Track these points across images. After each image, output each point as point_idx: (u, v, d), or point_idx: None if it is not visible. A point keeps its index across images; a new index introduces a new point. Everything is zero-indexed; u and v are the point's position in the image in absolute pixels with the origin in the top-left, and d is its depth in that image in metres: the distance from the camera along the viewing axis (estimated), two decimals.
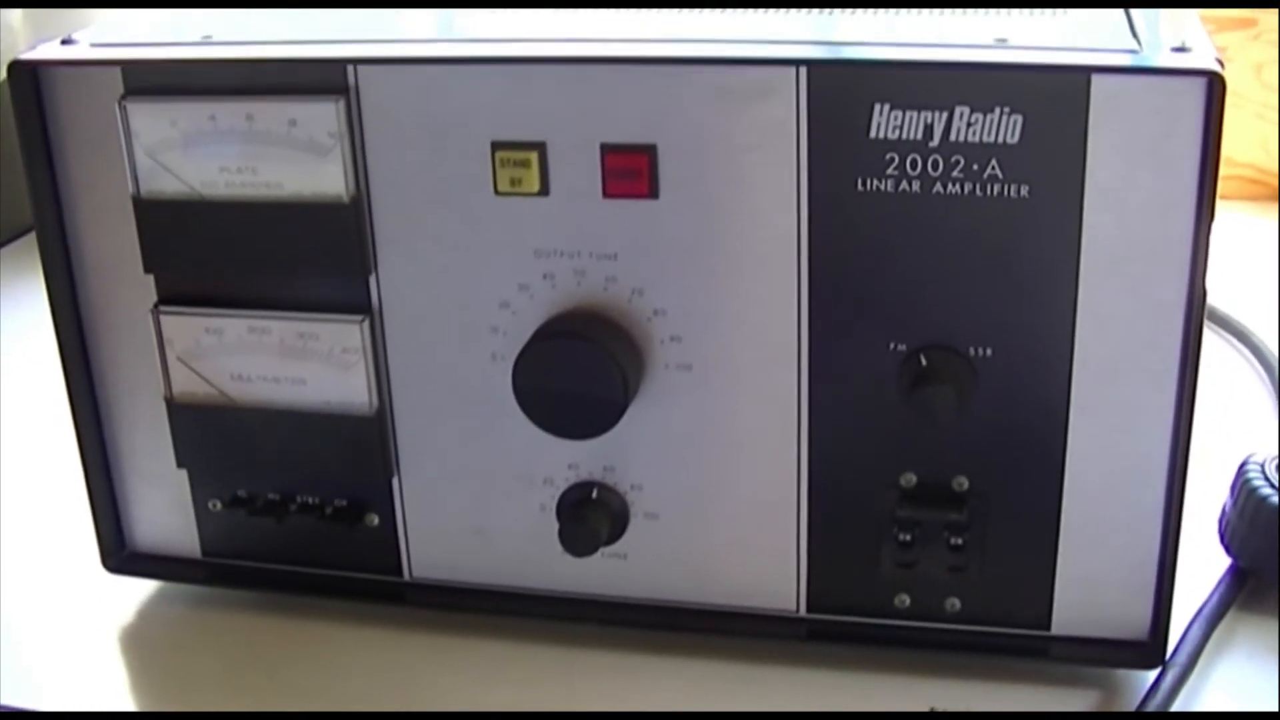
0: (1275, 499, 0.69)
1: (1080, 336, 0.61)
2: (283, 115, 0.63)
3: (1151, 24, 0.62)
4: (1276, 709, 0.65)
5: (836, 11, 0.67)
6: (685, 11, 0.68)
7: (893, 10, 0.67)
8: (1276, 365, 0.94)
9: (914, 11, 0.66)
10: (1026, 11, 0.65)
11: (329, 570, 0.73)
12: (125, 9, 0.76)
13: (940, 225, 0.60)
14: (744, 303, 0.63)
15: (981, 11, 0.66)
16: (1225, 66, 0.56)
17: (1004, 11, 0.65)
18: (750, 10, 0.68)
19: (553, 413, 0.64)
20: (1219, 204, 0.58)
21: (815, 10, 0.68)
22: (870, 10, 0.67)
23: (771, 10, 0.68)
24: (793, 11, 0.68)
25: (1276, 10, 1.21)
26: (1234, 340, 0.99)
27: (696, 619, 0.69)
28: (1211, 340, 0.99)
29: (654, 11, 0.69)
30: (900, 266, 0.61)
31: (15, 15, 1.29)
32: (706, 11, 0.68)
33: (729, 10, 0.68)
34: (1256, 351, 0.96)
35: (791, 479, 0.66)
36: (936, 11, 0.66)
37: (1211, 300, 0.99)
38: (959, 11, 0.66)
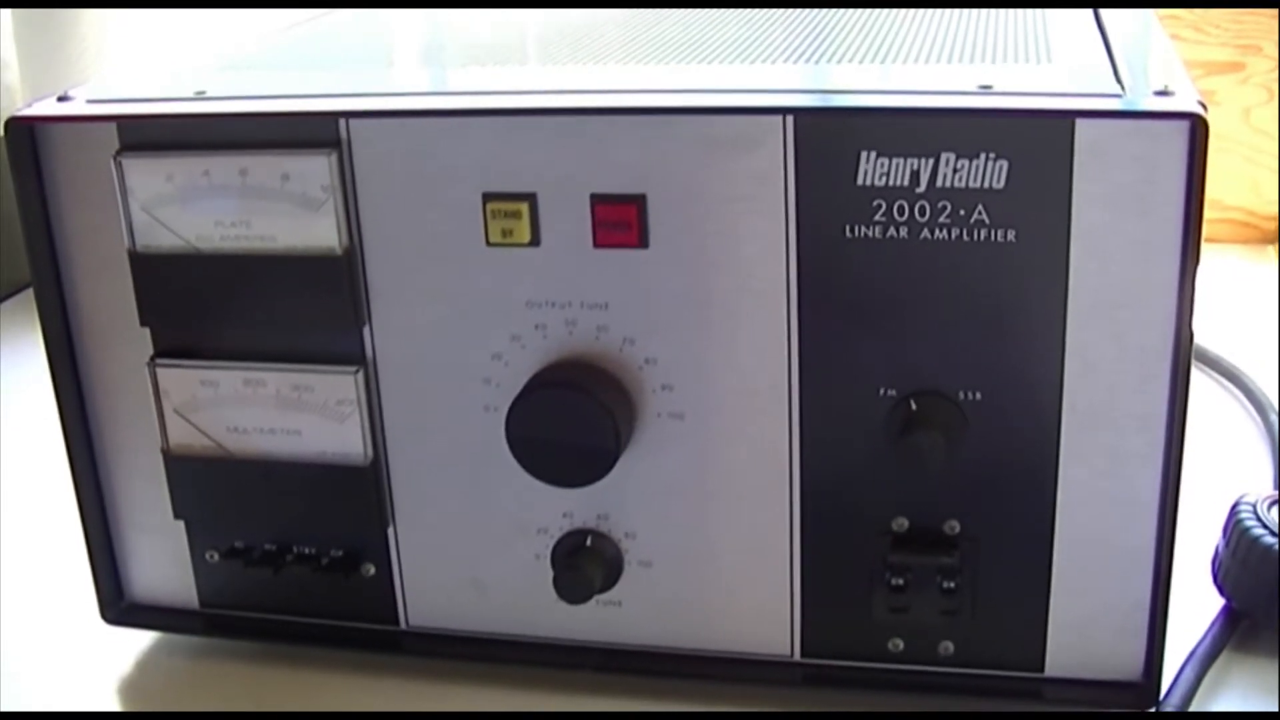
0: (1268, 540, 0.70)
1: (1068, 380, 0.61)
2: (276, 169, 0.64)
3: (1136, 69, 0.63)
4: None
5: (824, 62, 0.68)
6: (674, 64, 0.69)
7: (877, 60, 0.68)
8: (1269, 407, 0.94)
9: (899, 61, 0.67)
10: (1010, 59, 0.66)
11: (326, 620, 0.73)
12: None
13: (928, 271, 0.60)
14: (735, 350, 0.64)
15: (966, 60, 0.66)
16: (1214, 110, 0.56)
17: (989, 59, 0.66)
18: (737, 63, 0.69)
19: (546, 462, 0.65)
20: (1210, 247, 0.59)
21: (801, 60, 0.68)
22: (854, 60, 0.68)
23: (758, 62, 0.69)
24: (779, 62, 0.68)
25: (1265, 49, 1.22)
26: (1226, 382, 0.99)
27: (691, 665, 0.69)
28: (1204, 382, 1.00)
29: (644, 64, 0.70)
30: (889, 312, 0.61)
31: (13, 74, 1.30)
32: (695, 63, 0.69)
33: (716, 63, 0.69)
34: (1249, 393, 0.97)
35: (784, 525, 0.66)
36: (922, 61, 0.67)
37: (1204, 343, 1.01)
38: (944, 59, 0.67)
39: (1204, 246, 0.58)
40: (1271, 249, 1.25)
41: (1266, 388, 0.96)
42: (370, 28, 0.87)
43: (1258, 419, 0.94)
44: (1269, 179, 1.25)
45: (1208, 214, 0.58)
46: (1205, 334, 1.01)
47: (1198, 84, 0.60)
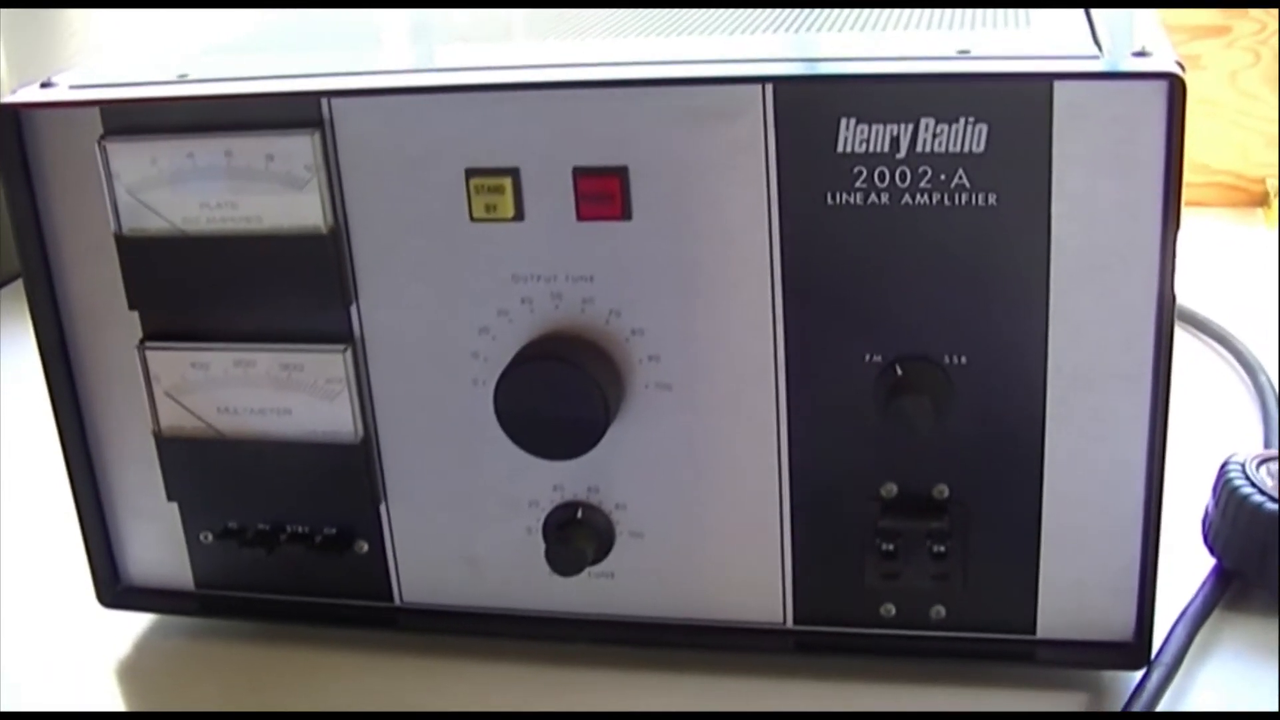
0: (1257, 499, 0.70)
1: (1053, 342, 0.61)
2: (260, 150, 0.64)
3: (1114, 31, 0.63)
4: (1276, 709, 0.65)
5: (803, 30, 0.68)
6: (654, 37, 0.69)
7: (857, 29, 0.68)
8: (1258, 368, 0.94)
9: (878, 29, 0.67)
10: (989, 25, 0.66)
11: (321, 598, 0.73)
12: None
13: (910, 236, 0.61)
14: (720, 320, 0.64)
15: (945, 26, 0.67)
16: (1201, 74, 0.56)
17: (967, 25, 0.66)
18: (717, 34, 0.69)
19: (535, 435, 0.65)
20: (1198, 210, 0.59)
21: (781, 30, 0.69)
22: (835, 30, 0.68)
23: (738, 32, 0.69)
24: (759, 32, 0.68)
25: (1251, 12, 1.22)
26: (1215, 344, 0.99)
27: (685, 635, 0.69)
28: (1193, 344, 1.00)
29: (624, 38, 0.70)
30: (873, 278, 0.62)
31: None
32: (675, 36, 0.69)
33: (696, 34, 0.69)
34: (1237, 354, 0.97)
35: (774, 493, 0.66)
36: (900, 28, 0.67)
37: (1193, 305, 1.01)
38: (923, 26, 0.67)
39: (1192, 210, 0.58)
40: (1259, 212, 1.25)
41: (1255, 349, 0.97)
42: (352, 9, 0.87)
43: (1247, 380, 0.95)
44: (1256, 142, 1.25)
45: (1195, 178, 0.58)
46: (1194, 296, 1.02)
47: (1184, 48, 0.60)
